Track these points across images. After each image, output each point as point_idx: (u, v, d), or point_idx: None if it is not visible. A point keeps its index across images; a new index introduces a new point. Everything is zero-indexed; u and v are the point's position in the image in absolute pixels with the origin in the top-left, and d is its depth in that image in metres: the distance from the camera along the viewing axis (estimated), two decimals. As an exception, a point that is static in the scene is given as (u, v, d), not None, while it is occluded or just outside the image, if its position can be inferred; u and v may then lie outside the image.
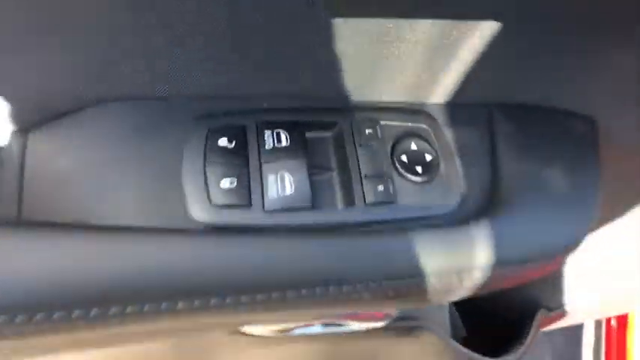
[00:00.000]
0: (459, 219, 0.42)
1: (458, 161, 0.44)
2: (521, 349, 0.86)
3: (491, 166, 0.45)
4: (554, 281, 0.85)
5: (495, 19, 0.38)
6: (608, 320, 1.38)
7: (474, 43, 0.40)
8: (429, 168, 0.43)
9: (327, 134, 0.43)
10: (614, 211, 0.66)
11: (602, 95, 0.49)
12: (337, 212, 0.39)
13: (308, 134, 0.42)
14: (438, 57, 0.41)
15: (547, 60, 0.43)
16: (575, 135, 0.49)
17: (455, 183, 0.43)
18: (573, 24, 0.39)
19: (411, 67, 0.42)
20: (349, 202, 0.40)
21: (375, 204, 0.40)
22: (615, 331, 1.40)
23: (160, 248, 0.33)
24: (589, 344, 1.49)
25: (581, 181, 0.46)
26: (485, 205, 0.43)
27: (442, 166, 0.43)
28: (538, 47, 0.41)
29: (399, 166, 0.42)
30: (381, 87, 0.44)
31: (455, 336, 1.00)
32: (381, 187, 0.40)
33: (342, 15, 0.35)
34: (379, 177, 0.41)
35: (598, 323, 1.43)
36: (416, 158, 0.43)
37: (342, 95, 0.44)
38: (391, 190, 0.41)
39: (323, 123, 0.43)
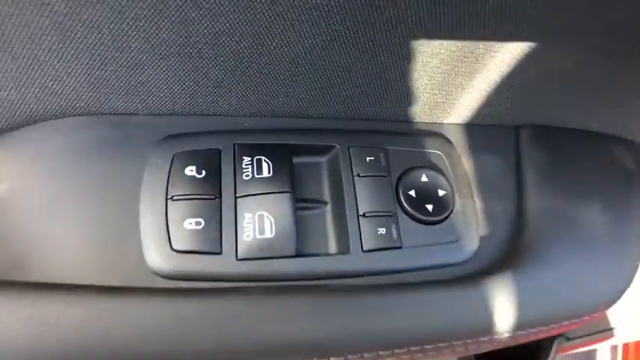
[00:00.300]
0: (476, 270, 0.35)
1: (477, 197, 0.37)
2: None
3: (516, 202, 0.38)
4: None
5: (529, 39, 0.30)
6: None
7: (503, 58, 0.32)
8: (442, 206, 0.35)
9: (321, 159, 0.36)
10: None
11: None
12: (327, 260, 0.32)
13: (297, 159, 0.35)
14: (458, 72, 0.34)
15: (586, 77, 0.35)
16: (619, 163, 0.42)
17: (472, 224, 0.36)
18: (615, 39, 0.31)
19: (425, 83, 0.34)
20: (343, 247, 0.33)
21: (374, 250, 0.33)
22: (633, 351, 1.33)
23: (103, 310, 0.27)
24: (603, 362, 1.41)
25: (626, 220, 0.39)
26: (509, 251, 0.36)
27: (458, 203, 0.36)
28: (576, 64, 0.34)
29: (405, 203, 0.35)
30: (387, 105, 0.36)
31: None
32: (382, 230, 0.33)
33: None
34: (381, 216, 0.33)
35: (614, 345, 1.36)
36: (427, 193, 0.35)
37: (339, 114, 0.36)
38: (395, 234, 0.33)
39: (316, 147, 0.35)
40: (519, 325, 0.34)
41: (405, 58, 0.32)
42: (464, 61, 0.32)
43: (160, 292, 0.28)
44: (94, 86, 0.30)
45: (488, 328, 0.33)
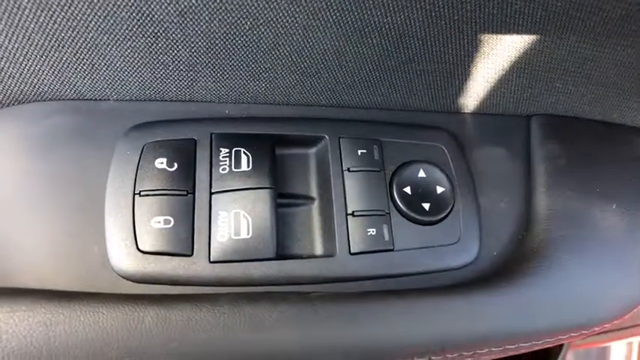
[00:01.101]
0: (476, 276, 0.32)
1: (481, 195, 0.34)
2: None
3: (525, 201, 0.34)
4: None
5: (538, 23, 0.27)
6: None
7: (511, 42, 0.28)
8: (441, 204, 0.32)
9: (309, 151, 0.33)
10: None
11: None
12: (310, 263, 0.29)
13: (282, 150, 0.32)
14: (462, 56, 0.30)
15: (604, 64, 0.32)
16: (639, 158, 0.38)
17: (474, 225, 0.32)
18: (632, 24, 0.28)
19: (425, 69, 0.31)
20: (328, 249, 0.30)
21: (362, 253, 0.30)
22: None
23: (60, 318, 0.24)
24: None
25: None
26: (514, 255, 0.32)
27: (459, 201, 0.33)
28: (591, 49, 0.30)
29: (399, 202, 0.31)
30: (382, 91, 0.33)
31: None
32: (372, 230, 0.30)
33: None
34: (371, 216, 0.30)
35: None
36: (424, 190, 0.32)
37: (329, 102, 0.33)
38: (386, 235, 0.30)
39: (303, 137, 0.32)
40: (521, 337, 0.31)
41: (402, 41, 0.28)
42: (469, 45, 0.29)
43: (121, 298, 0.25)
44: (54, 69, 0.27)
45: (487, 339, 0.30)
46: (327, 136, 0.32)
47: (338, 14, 0.26)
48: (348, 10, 0.25)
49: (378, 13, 0.26)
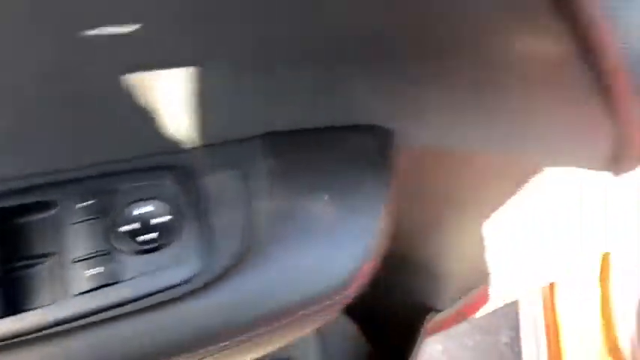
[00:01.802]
0: (198, 287, 0.37)
1: (206, 216, 0.39)
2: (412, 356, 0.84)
3: (246, 213, 0.40)
4: (439, 283, 0.81)
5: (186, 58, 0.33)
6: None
7: (186, 79, 0.35)
8: (164, 233, 0.37)
9: (49, 213, 0.38)
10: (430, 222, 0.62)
11: (394, 98, 0.44)
12: (38, 314, 0.34)
13: (23, 219, 0.36)
14: (168, 97, 0.36)
15: (282, 84, 0.39)
16: (355, 153, 0.45)
17: (198, 244, 0.38)
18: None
19: (141, 115, 0.37)
20: (58, 295, 0.35)
21: (87, 292, 0.34)
22: (549, 303, 1.39)
23: None
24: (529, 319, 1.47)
25: (355, 206, 0.42)
26: (236, 262, 0.38)
27: (184, 227, 0.38)
28: (282, 70, 0.37)
29: (124, 239, 0.37)
30: (106, 145, 0.38)
31: (359, 350, 0.96)
32: (96, 270, 0.35)
33: None
34: (95, 257, 0.35)
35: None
36: (149, 224, 0.37)
37: (54, 168, 0.38)
38: (110, 271, 0.35)
39: (38, 204, 0.37)
40: (251, 325, 0.36)
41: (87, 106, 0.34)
42: (169, 86, 0.35)
43: None
44: None
45: (214, 335, 0.35)
46: (58, 199, 0.37)
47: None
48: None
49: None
